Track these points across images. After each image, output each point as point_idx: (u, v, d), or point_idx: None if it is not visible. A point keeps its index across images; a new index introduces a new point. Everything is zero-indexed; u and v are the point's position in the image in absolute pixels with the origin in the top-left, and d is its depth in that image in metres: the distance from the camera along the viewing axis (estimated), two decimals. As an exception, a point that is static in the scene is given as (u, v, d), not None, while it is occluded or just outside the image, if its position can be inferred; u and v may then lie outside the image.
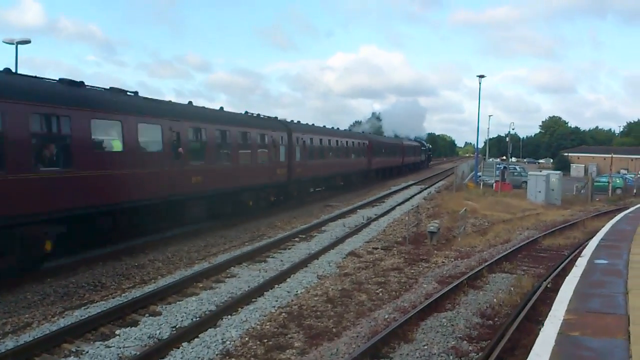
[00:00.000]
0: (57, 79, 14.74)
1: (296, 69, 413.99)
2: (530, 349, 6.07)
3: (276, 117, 30.37)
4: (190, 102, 21.25)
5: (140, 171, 16.56)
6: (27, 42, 29.45)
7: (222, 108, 23.96)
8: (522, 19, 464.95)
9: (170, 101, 20.51)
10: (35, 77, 14.12)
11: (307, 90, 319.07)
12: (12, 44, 28.84)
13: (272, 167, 26.58)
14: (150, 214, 17.34)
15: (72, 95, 14.35)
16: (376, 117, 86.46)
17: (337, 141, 38.03)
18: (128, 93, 17.37)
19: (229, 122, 22.73)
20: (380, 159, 51.91)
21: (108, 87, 16.60)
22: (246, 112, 26.85)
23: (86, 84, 15.45)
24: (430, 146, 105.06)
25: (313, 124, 36.11)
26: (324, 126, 38.83)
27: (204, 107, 22.20)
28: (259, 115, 27.65)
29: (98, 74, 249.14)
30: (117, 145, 15.81)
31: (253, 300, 11.96)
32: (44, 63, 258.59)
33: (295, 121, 32.52)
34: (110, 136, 15.79)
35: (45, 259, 13.94)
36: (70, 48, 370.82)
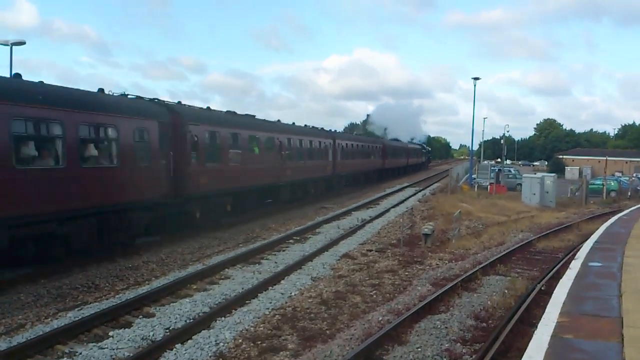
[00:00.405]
0: (244, 113, 26.14)
1: (290, 71, 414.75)
2: (524, 351, 6.08)
3: (323, 128, 38.87)
4: (278, 120, 31.91)
5: (265, 166, 26.18)
6: (22, 43, 29.35)
7: (254, 116, 27.80)
8: (517, 21, 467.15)
9: (277, 121, 31.16)
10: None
11: (302, 92, 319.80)
12: (7, 45, 28.73)
13: (324, 165, 36.04)
14: (265, 192, 26.96)
15: (259, 124, 26.91)
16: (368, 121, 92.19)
17: (362, 145, 47.63)
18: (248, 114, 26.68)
19: (302, 133, 32.75)
20: (391, 160, 60.19)
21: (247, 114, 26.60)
22: (306, 125, 35.92)
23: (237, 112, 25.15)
24: (430, 149, 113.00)
25: (347, 132, 50.30)
26: (355, 134, 52.91)
27: (292, 124, 33.44)
28: (314, 127, 37.07)
29: (92, 75, 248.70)
30: (256, 150, 25.29)
31: (247, 302, 11.94)
32: (38, 64, 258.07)
33: (334, 130, 42.78)
34: (253, 144, 25.04)
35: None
36: (64, 49, 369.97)
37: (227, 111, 24.73)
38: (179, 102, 20.93)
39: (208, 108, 22.97)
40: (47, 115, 13.52)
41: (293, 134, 30.47)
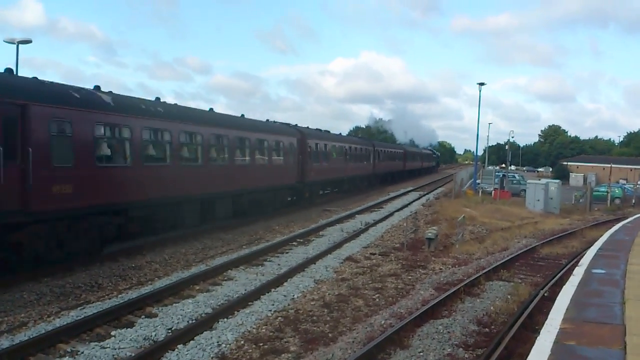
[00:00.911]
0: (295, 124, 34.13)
1: (296, 74, 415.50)
2: (526, 357, 6.07)
3: (365, 137, 52.04)
4: (340, 133, 46.30)
5: (339, 166, 38.55)
6: (29, 42, 29.40)
7: (340, 133, 40.05)
8: (523, 27, 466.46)
9: (340, 134, 45.15)
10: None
11: (307, 94, 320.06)
12: (13, 43, 28.77)
13: (367, 166, 47.63)
14: (337, 183, 39.01)
15: (339, 137, 40.96)
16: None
17: (391, 151, 61.41)
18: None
19: (355, 142, 45.31)
20: (410, 163, 73.11)
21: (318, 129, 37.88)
22: (349, 134, 46.32)
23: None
24: (439, 154, 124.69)
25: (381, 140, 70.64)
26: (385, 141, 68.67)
27: (348, 136, 50.66)
28: (355, 135, 48.76)
29: (98, 75, 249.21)
30: (335, 155, 37.30)
31: (249, 303, 11.95)
32: (44, 63, 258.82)
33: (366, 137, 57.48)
34: (337, 151, 37.95)
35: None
36: (70, 48, 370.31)
37: (325, 130, 39.14)
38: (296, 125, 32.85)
39: (318, 129, 37.05)
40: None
41: (351, 143, 43.65)
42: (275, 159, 27.52)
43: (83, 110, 14.63)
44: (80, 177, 14.29)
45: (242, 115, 26.53)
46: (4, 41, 29.46)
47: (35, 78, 14.32)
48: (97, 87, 16.26)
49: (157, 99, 19.57)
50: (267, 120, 30.34)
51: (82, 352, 8.90)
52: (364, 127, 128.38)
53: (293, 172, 29.30)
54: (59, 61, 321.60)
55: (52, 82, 14.64)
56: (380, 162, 52.76)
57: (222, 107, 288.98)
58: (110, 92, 16.71)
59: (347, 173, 40.64)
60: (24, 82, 13.87)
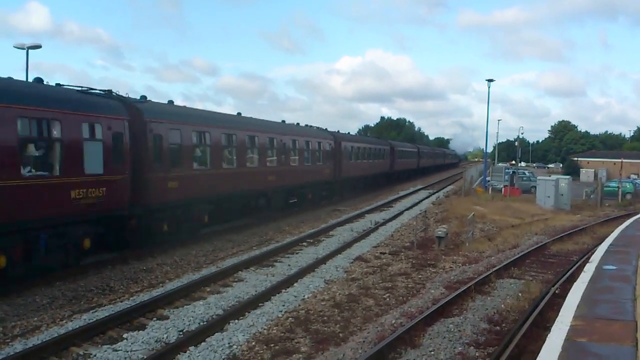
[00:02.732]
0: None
1: (303, 73, 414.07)
2: (538, 355, 6.06)
3: (385, 139, 62.30)
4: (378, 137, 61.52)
5: (372, 165, 46.14)
6: (38, 47, 29.62)
7: (283, 121, 33.14)
8: (530, 22, 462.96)
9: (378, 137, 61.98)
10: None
11: (315, 94, 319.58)
12: (23, 48, 29.01)
13: (414, 162, 66.78)
14: (370, 179, 45.98)
15: (370, 140, 51.56)
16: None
17: (434, 152, 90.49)
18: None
19: (404, 147, 63.49)
20: (440, 160, 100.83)
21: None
22: (358, 133, 56.61)
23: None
24: (465, 153, 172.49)
25: (427, 146, 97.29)
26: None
27: (376, 137, 62.76)
28: (410, 142, 78.81)
29: (106, 78, 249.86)
30: (366, 155, 44.49)
31: (260, 304, 11.98)
32: (52, 67, 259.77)
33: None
34: (369, 152, 45.57)
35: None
36: (77, 52, 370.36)
37: (359, 134, 59.54)
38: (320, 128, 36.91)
39: (348, 133, 45.57)
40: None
41: (401, 147, 59.04)
42: (317, 159, 33.35)
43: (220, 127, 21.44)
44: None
45: (283, 121, 31.58)
46: (13, 47, 29.78)
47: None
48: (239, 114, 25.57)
49: (239, 113, 25.86)
50: (306, 125, 35.38)
51: (95, 355, 8.97)
52: (373, 125, 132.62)
53: (330, 170, 35.11)
54: (68, 65, 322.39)
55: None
56: (424, 160, 72.47)
57: (230, 108, 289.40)
58: (240, 113, 25.68)
59: (394, 169, 55.14)
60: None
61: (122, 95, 17.05)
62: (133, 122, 16.34)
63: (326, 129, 37.64)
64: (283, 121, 31.36)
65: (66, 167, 13.64)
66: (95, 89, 16.17)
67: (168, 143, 17.81)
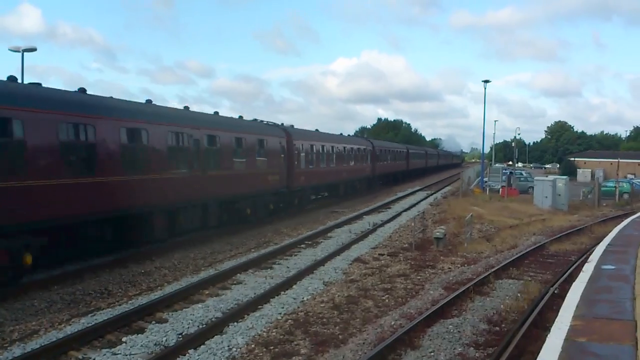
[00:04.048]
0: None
1: (298, 75, 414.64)
2: (537, 355, 6.06)
3: (423, 147, 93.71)
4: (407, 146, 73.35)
5: (396, 163, 59.41)
6: (33, 49, 29.59)
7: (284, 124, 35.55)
8: (524, 22, 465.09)
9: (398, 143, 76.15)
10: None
11: (310, 95, 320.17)
12: (18, 51, 28.97)
13: (425, 162, 79.81)
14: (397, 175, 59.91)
15: (393, 145, 63.34)
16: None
17: (441, 154, 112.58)
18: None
19: (423, 151, 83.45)
20: (446, 160, 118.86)
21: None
22: (355, 135, 63.66)
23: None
24: (463, 154, 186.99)
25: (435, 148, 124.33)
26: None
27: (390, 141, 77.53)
28: (427, 147, 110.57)
29: (101, 81, 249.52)
30: (390, 158, 56.91)
31: (259, 307, 11.97)
32: (47, 70, 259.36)
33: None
34: (395, 155, 59.63)
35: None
36: (70, 54, 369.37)
37: (356, 135, 61.36)
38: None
39: (341, 134, 44.73)
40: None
41: (413, 150, 71.73)
42: (358, 161, 41.51)
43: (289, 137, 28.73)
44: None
45: (317, 130, 36.00)
46: (8, 49, 29.69)
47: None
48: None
49: (243, 117, 28.33)
50: (347, 134, 43.72)
51: (94, 359, 8.94)
52: (370, 127, 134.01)
53: (368, 169, 44.92)
54: (62, 67, 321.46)
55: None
56: (431, 160, 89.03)
57: (226, 110, 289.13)
58: (282, 124, 30.45)
59: (409, 168, 65.80)
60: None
61: (280, 124, 29.60)
62: (289, 140, 28.27)
63: (282, 123, 30.46)
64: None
65: (271, 164, 25.97)
66: (264, 120, 28.80)
67: (304, 151, 30.05)
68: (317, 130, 36.47)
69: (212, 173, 20.62)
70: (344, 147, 38.55)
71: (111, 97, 17.16)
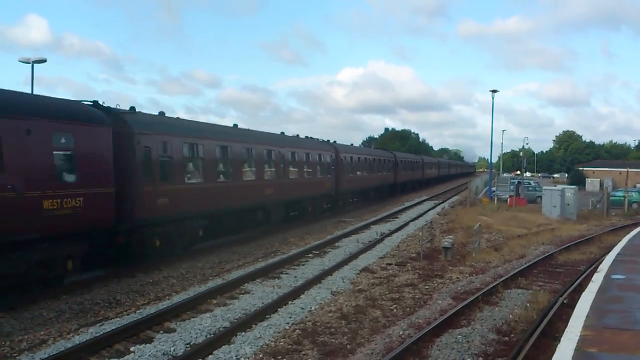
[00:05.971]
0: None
1: (305, 85, 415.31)
2: (547, 365, 6.02)
3: (417, 153, 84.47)
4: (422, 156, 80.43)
5: (414, 172, 64.77)
6: (43, 61, 29.77)
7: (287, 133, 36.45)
8: (532, 31, 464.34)
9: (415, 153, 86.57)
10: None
11: (317, 105, 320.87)
12: (28, 63, 29.18)
13: (418, 172, 66.67)
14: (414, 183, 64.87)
15: (407, 156, 67.51)
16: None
17: (456, 164, 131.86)
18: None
19: (439, 161, 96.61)
20: (461, 169, 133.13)
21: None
22: (362, 144, 66.79)
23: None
24: (475, 164, 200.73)
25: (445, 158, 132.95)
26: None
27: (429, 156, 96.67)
28: (442, 157, 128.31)
29: (109, 91, 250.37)
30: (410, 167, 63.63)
31: (267, 316, 11.94)
32: (55, 81, 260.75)
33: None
34: (412, 164, 64.42)
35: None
36: (77, 65, 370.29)
37: (363, 145, 58.18)
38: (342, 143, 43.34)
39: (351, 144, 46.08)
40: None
41: (427, 160, 76.02)
42: (381, 169, 47.02)
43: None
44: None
45: (352, 145, 42.38)
46: (18, 61, 29.94)
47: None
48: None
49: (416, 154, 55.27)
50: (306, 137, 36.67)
51: (102, 369, 8.95)
52: (377, 137, 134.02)
53: (392, 178, 50.49)
54: (70, 78, 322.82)
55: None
56: (428, 171, 79.28)
57: (233, 120, 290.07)
58: (327, 140, 36.87)
59: (425, 178, 70.91)
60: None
61: (327, 141, 35.29)
62: (337, 154, 34.47)
63: (329, 140, 37.10)
64: (282, 133, 30.99)
65: (325, 172, 32.95)
66: (315, 137, 34.21)
67: (346, 163, 36.71)
68: (351, 144, 44.28)
69: (292, 180, 27.84)
70: (374, 159, 45.65)
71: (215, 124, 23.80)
